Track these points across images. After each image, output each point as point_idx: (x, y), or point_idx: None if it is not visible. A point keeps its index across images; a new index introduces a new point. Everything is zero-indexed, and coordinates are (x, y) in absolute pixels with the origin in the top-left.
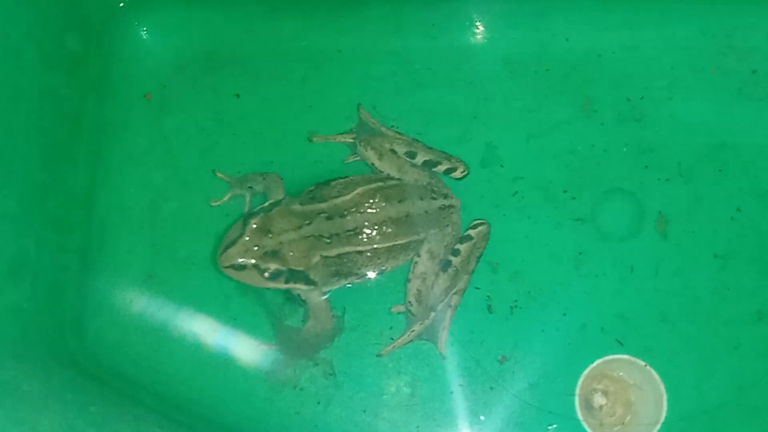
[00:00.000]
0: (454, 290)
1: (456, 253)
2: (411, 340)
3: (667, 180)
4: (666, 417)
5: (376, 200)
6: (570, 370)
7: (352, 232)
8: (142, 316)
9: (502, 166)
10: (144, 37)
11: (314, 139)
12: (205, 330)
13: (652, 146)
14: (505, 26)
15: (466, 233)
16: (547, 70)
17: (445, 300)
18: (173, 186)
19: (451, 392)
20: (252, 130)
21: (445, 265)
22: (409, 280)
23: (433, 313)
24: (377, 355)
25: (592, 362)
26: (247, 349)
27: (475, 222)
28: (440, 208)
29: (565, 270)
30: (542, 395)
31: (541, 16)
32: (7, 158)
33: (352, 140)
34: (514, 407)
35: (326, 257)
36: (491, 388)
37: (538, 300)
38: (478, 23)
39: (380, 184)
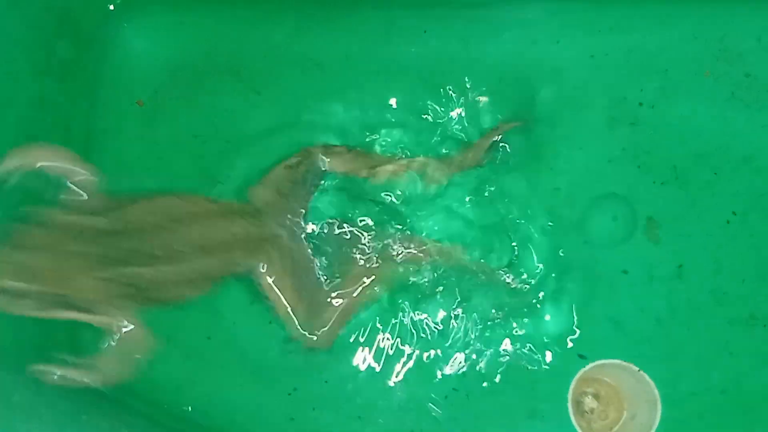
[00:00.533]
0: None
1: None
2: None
3: (662, 184)
4: (660, 421)
5: None
6: (562, 374)
7: None
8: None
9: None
10: (136, 43)
11: None
12: (199, 337)
13: (645, 150)
14: (497, 31)
15: None
16: (539, 73)
17: None
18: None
19: (446, 396)
20: (245, 137)
21: None
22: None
23: None
24: None
25: (584, 366)
26: (241, 356)
27: None
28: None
29: (558, 274)
30: (535, 399)
31: (532, 20)
32: None
33: None
34: (507, 411)
35: None
36: (485, 391)
37: (530, 306)
38: (469, 29)
39: None
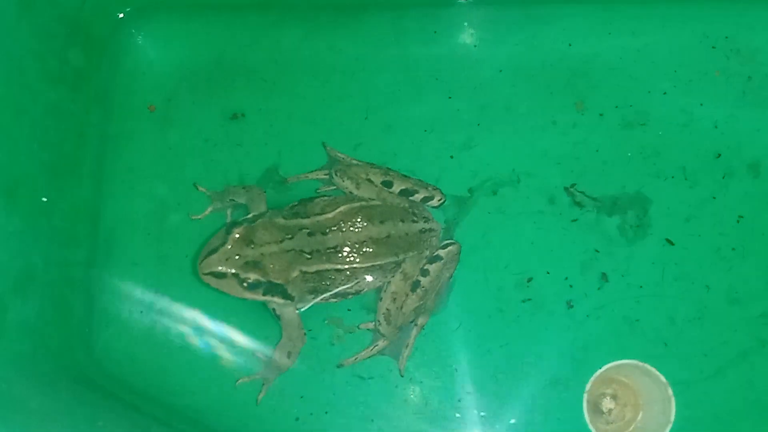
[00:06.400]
0: (423, 310)
1: (425, 273)
2: (373, 355)
3: (673, 184)
4: (674, 421)
5: (358, 220)
6: (578, 375)
7: (332, 250)
8: (149, 329)
9: (506, 172)
10: (147, 49)
11: (289, 180)
12: (212, 342)
13: (656, 150)
14: (508, 32)
15: (435, 254)
16: (550, 75)
17: (413, 320)
18: (178, 197)
19: (459, 400)
20: (256, 141)
21: (415, 285)
22: (380, 299)
23: (398, 331)
24: (338, 366)
25: (600, 367)
26: (253, 361)
27: (445, 242)
28: (420, 231)
29: (572, 275)
30: (550, 400)
31: (543, 22)
32: (13, 174)
33: (325, 176)
34: (521, 413)
35: (305, 272)
36: (499, 395)
37: (545, 306)
38: (480, 30)
39: (363, 203)
